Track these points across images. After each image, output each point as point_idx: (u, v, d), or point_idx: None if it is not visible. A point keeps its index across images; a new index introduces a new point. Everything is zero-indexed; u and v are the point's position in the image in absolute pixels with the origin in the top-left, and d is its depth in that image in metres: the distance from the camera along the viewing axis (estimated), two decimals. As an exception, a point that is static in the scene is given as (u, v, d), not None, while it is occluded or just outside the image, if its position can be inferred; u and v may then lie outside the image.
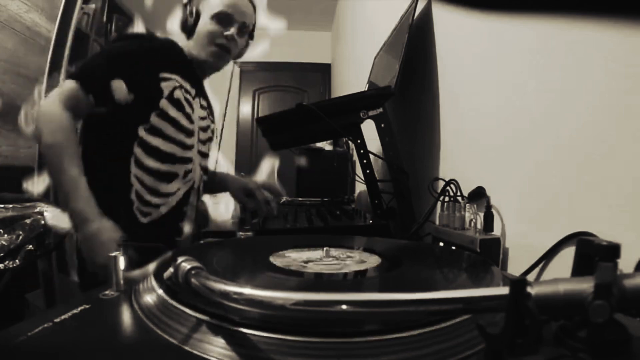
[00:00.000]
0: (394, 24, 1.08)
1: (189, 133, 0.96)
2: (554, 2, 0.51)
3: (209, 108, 1.10)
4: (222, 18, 0.98)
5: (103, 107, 0.85)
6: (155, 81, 0.91)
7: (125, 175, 0.88)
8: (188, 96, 0.97)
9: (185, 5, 1.01)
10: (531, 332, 0.20)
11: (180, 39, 1.03)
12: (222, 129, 1.13)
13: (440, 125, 0.88)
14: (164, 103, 0.91)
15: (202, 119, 1.04)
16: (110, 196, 0.84)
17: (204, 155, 1.05)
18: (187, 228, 1.00)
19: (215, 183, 1.15)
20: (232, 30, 0.99)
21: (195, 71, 1.03)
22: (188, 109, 0.96)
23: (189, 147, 0.96)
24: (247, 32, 1.04)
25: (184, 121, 0.95)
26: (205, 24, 0.98)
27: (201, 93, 1.06)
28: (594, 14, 0.43)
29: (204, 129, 1.04)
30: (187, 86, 0.98)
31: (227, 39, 0.99)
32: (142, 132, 0.89)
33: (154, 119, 0.90)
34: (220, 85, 1.12)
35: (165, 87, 0.92)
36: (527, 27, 0.57)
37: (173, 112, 0.92)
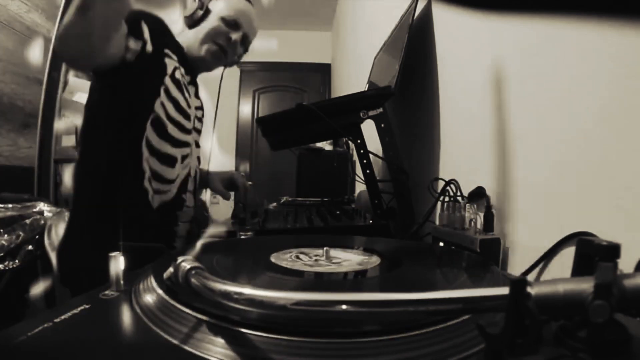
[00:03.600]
0: (394, 24, 1.08)
1: (187, 116, 0.95)
2: (554, 2, 0.51)
3: (201, 101, 1.09)
4: (230, 22, 0.99)
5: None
6: (161, 54, 0.90)
7: (138, 159, 0.85)
8: (184, 80, 0.97)
9: None
10: (531, 332, 0.20)
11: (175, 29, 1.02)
12: (213, 132, 1.11)
13: (440, 125, 0.88)
14: (167, 80, 0.89)
15: (197, 108, 1.03)
16: (124, 181, 0.83)
17: (198, 146, 1.05)
18: (184, 217, 0.98)
19: (201, 179, 1.15)
20: (237, 36, 1.00)
21: (188, 59, 1.01)
22: (185, 93, 0.95)
23: (188, 131, 0.95)
24: (246, 44, 1.06)
25: (183, 103, 0.93)
26: (212, 21, 0.99)
27: (195, 83, 1.05)
28: (594, 14, 0.43)
29: (199, 119, 1.04)
30: (183, 71, 0.97)
31: (229, 42, 1.00)
32: (157, 105, 0.86)
33: (162, 94, 0.88)
34: (214, 84, 1.12)
35: (169, 63, 0.91)
36: (527, 27, 0.57)
37: (175, 92, 0.91)
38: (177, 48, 0.97)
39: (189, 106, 0.96)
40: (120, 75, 0.82)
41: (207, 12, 0.99)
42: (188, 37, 1.00)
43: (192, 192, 1.00)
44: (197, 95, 1.05)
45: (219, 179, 1.15)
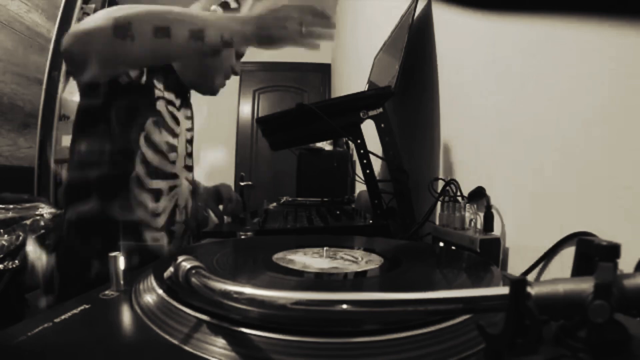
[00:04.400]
0: (394, 24, 1.08)
1: (172, 147, 0.89)
2: (554, 2, 0.51)
3: (192, 120, 1.03)
4: (240, 55, 0.98)
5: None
6: (151, 85, 0.84)
7: (127, 195, 0.80)
8: (171, 108, 0.90)
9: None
10: (531, 332, 0.20)
11: None
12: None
13: (440, 125, 0.88)
14: (157, 109, 0.85)
15: (188, 130, 0.99)
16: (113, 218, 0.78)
17: (190, 169, 1.00)
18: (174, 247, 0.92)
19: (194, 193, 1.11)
20: (240, 67, 1.00)
21: (179, 80, 0.94)
22: (171, 122, 0.89)
23: (173, 162, 0.89)
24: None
25: (166, 134, 0.87)
26: (229, 58, 0.96)
27: (187, 104, 1.00)
28: (594, 14, 0.43)
29: (189, 141, 1.00)
30: (172, 97, 0.90)
31: (235, 73, 1.00)
32: (141, 141, 0.81)
33: (149, 126, 0.82)
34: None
35: (157, 93, 0.85)
36: (527, 27, 0.57)
37: (160, 122, 0.86)
38: (164, 72, 0.89)
39: (176, 134, 0.91)
40: (109, 106, 0.77)
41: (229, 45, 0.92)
42: (192, 61, 0.93)
43: (181, 222, 0.94)
44: (188, 117, 1.00)
45: (209, 195, 1.12)
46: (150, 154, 0.83)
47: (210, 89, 0.99)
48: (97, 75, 0.72)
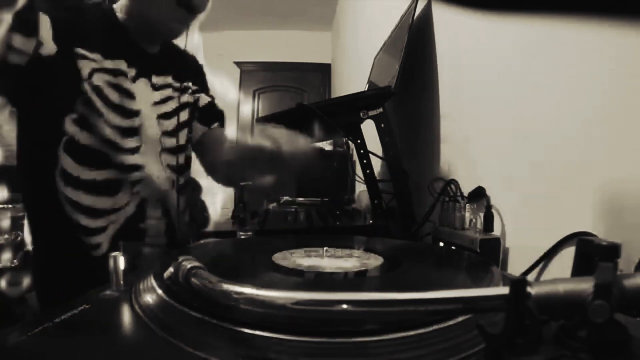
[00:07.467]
0: (394, 24, 1.08)
1: (127, 131, 0.71)
2: (554, 2, 0.51)
3: (176, 89, 0.80)
4: None
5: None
6: (71, 55, 0.67)
7: (52, 195, 0.67)
8: (119, 79, 0.71)
9: None
10: (531, 332, 0.20)
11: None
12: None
13: (440, 125, 0.88)
14: (87, 87, 0.67)
15: (158, 103, 0.76)
16: (44, 222, 0.71)
17: (175, 152, 0.78)
18: (147, 249, 0.76)
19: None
20: None
21: (131, 41, 0.75)
22: (118, 98, 0.70)
23: (132, 150, 0.71)
24: None
25: (113, 115, 0.69)
26: None
27: (156, 71, 0.77)
28: (595, 14, 0.43)
29: (167, 116, 0.77)
30: (120, 65, 0.71)
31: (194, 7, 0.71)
32: (68, 125, 0.66)
33: (80, 107, 0.67)
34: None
35: (84, 66, 0.67)
36: (527, 27, 0.57)
37: (98, 102, 0.68)
38: (104, 39, 0.71)
39: (133, 112, 0.72)
40: (18, 88, 0.66)
41: None
42: (144, 6, 0.72)
43: (158, 218, 0.76)
44: (158, 87, 0.77)
45: None
46: (88, 140, 0.68)
47: (160, 31, 0.76)
48: None
